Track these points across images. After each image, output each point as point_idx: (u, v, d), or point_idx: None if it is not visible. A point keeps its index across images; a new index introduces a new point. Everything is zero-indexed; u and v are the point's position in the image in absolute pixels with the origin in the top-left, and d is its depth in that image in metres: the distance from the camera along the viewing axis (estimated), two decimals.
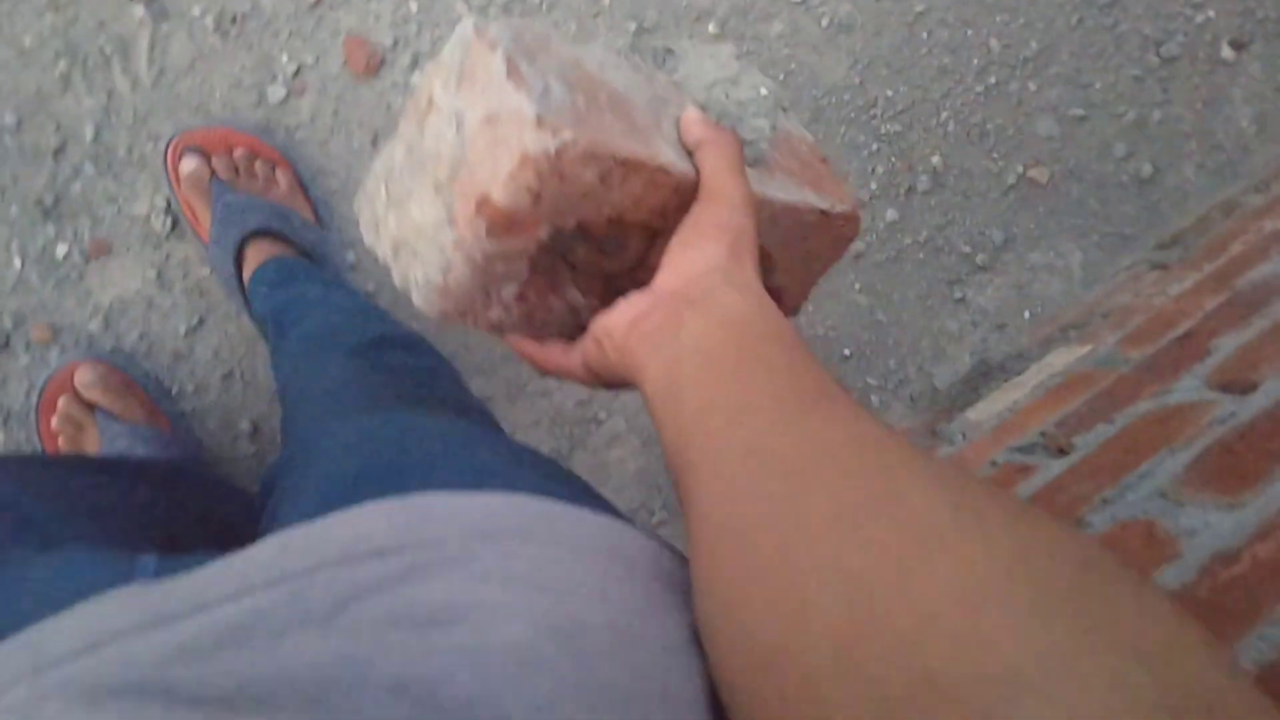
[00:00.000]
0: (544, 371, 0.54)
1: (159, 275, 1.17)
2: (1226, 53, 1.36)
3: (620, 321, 0.45)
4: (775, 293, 0.56)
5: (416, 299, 0.51)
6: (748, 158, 0.55)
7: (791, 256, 0.59)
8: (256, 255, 1.09)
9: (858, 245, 1.29)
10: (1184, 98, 1.34)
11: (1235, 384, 0.83)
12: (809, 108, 1.29)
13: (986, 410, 1.13)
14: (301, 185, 1.18)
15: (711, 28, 1.27)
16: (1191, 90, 1.34)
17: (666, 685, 0.34)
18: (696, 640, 0.36)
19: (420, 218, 0.48)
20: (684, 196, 0.48)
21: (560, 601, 0.35)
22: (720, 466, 0.34)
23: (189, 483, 0.99)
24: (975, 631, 0.23)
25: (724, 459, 0.34)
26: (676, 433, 0.38)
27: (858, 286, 1.29)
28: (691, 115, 0.50)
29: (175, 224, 1.16)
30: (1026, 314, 1.31)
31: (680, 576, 0.40)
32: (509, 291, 0.50)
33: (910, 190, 1.30)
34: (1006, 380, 1.17)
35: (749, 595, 0.30)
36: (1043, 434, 0.95)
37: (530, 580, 0.36)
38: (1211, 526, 0.69)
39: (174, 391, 1.17)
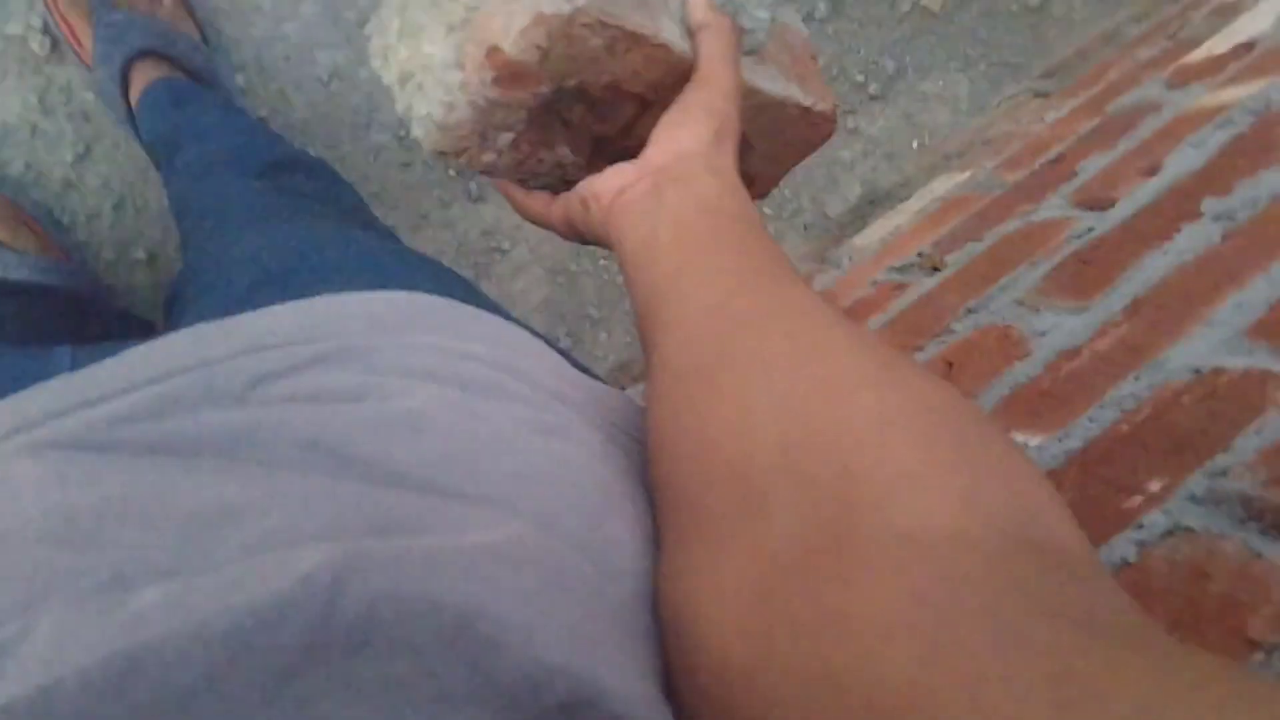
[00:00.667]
0: (524, 216, 0.59)
1: (40, 100, 1.13)
2: None
3: (608, 188, 0.49)
4: (748, 178, 0.60)
5: (416, 130, 0.53)
6: (744, 46, 0.59)
7: (769, 146, 0.63)
8: (143, 77, 1.06)
9: None
10: None
11: (1096, 201, 0.89)
12: None
13: (872, 236, 1.19)
14: (187, 4, 1.14)
15: None
16: None
17: (544, 462, 0.38)
18: (580, 427, 0.40)
19: (431, 54, 0.50)
20: (679, 75, 0.52)
21: (452, 386, 0.39)
22: (686, 320, 0.40)
23: (91, 312, 0.99)
24: (883, 442, 0.30)
25: (691, 314, 0.40)
26: (649, 291, 0.43)
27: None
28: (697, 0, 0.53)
29: (55, 45, 1.11)
30: (915, 143, 1.35)
31: (556, 367, 0.44)
32: (505, 139, 0.53)
33: (809, 17, 1.31)
34: (893, 207, 1.22)
35: (707, 418, 0.35)
36: (919, 254, 1.01)
37: (426, 369, 0.39)
38: (1060, 327, 0.76)
39: (66, 222, 1.15)
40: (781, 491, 0.31)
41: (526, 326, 0.48)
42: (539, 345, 0.45)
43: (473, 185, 1.26)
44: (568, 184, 0.55)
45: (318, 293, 0.44)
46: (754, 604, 0.29)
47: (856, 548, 0.28)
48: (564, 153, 0.55)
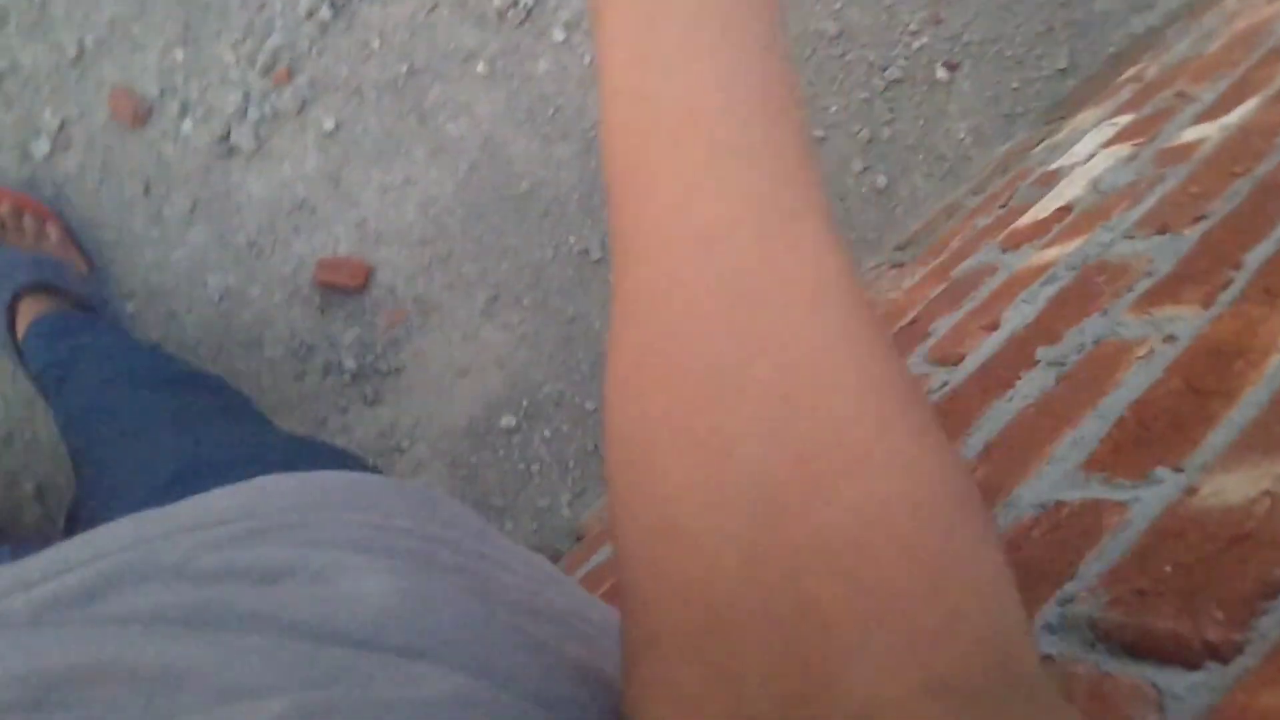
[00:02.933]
0: None
1: None
2: (941, 73, 1.53)
3: None
4: None
5: None
6: None
7: None
8: (30, 311, 1.07)
9: None
10: (908, 115, 1.51)
11: (948, 357, 0.96)
12: (579, 140, 1.37)
13: None
14: (73, 237, 1.18)
15: (480, 68, 1.34)
16: (915, 108, 1.52)
17: (481, 619, 0.39)
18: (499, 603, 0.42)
19: None
20: None
21: (385, 556, 0.40)
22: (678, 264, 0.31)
23: None
24: (855, 566, 0.27)
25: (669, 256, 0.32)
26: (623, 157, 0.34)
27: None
28: None
29: None
30: None
31: (483, 534, 0.46)
32: None
33: None
34: None
35: (667, 482, 0.30)
36: None
37: (359, 542, 0.40)
38: None
39: None
40: (743, 617, 0.27)
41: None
42: (466, 513, 0.47)
43: (368, 389, 1.28)
44: None
45: (244, 479, 0.45)
46: None
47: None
48: None
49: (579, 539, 1.30)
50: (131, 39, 1.21)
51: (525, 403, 1.33)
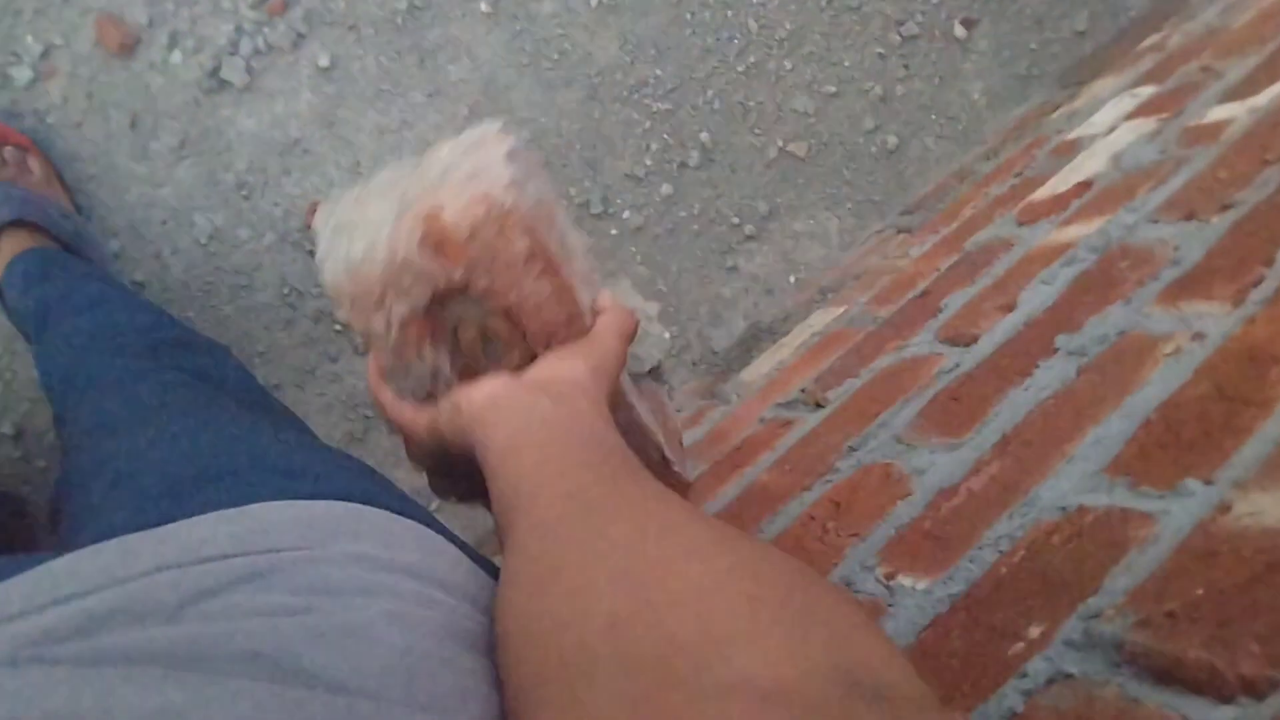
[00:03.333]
0: (389, 417, 0.59)
1: None
2: (959, 31, 1.49)
3: (482, 392, 0.51)
4: None
5: (326, 273, 0.56)
6: (630, 368, 0.65)
7: None
8: (11, 247, 1.03)
9: (636, 219, 1.35)
10: (923, 73, 1.47)
11: (960, 337, 0.94)
12: (584, 87, 1.33)
13: (757, 370, 1.22)
14: (56, 172, 1.13)
15: (483, 7, 1.28)
16: (929, 66, 1.47)
17: (474, 675, 0.38)
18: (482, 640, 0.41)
19: (374, 213, 0.54)
20: (573, 332, 0.55)
21: (385, 598, 0.38)
22: (541, 506, 0.41)
23: None
24: (707, 608, 0.31)
25: (546, 500, 0.41)
26: (510, 485, 0.44)
27: (639, 258, 1.35)
28: (609, 293, 0.58)
29: None
30: (792, 278, 1.41)
31: (469, 571, 0.44)
32: (399, 311, 0.54)
33: (683, 165, 1.37)
34: (775, 341, 1.26)
35: (548, 601, 0.36)
36: (802, 390, 1.04)
37: (359, 584, 0.39)
38: (936, 465, 0.78)
39: None
40: (604, 670, 0.31)
41: (438, 523, 0.49)
42: (454, 552, 0.46)
43: (358, 339, 1.25)
44: (429, 398, 0.57)
45: (239, 495, 0.43)
46: None
47: (676, 712, 0.28)
48: (442, 362, 0.56)
49: None
50: None
51: None
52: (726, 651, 0.29)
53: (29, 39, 1.12)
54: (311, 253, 1.23)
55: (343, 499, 0.44)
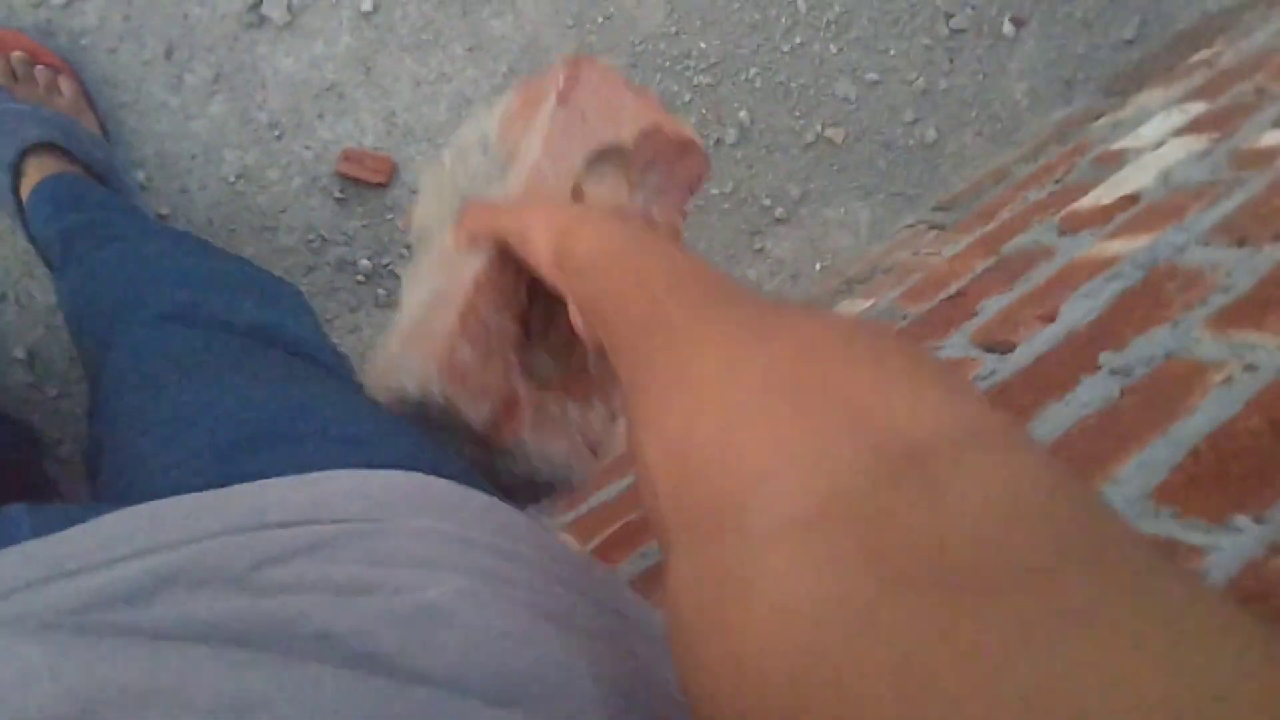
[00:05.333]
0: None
1: None
2: (1008, 28, 1.47)
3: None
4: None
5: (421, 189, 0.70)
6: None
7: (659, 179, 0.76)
8: (37, 170, 1.01)
9: None
10: (968, 68, 1.45)
11: (997, 344, 0.93)
12: (626, 53, 1.30)
13: None
14: (88, 96, 1.10)
15: None
16: (975, 62, 1.45)
17: (560, 655, 0.36)
18: (574, 611, 0.39)
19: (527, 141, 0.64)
20: None
21: (460, 575, 0.37)
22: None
23: None
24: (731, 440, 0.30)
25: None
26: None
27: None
28: None
29: None
30: (818, 266, 1.40)
31: (549, 546, 0.43)
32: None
33: (719, 142, 1.35)
34: None
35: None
36: None
37: (431, 558, 0.37)
38: None
39: None
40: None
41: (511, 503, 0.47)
42: (528, 523, 0.44)
43: (380, 291, 1.23)
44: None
45: (309, 459, 0.42)
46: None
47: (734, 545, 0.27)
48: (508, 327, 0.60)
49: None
50: None
51: None
52: (753, 493, 0.28)
53: None
54: (340, 201, 1.21)
55: (408, 468, 0.43)
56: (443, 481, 0.43)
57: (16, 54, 1.04)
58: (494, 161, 0.67)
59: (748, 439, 0.29)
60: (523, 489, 0.65)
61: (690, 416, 0.32)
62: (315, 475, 0.40)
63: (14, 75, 1.03)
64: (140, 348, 0.66)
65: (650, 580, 0.87)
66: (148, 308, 0.70)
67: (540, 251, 0.50)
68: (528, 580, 0.38)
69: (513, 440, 0.63)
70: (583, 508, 1.10)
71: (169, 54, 1.14)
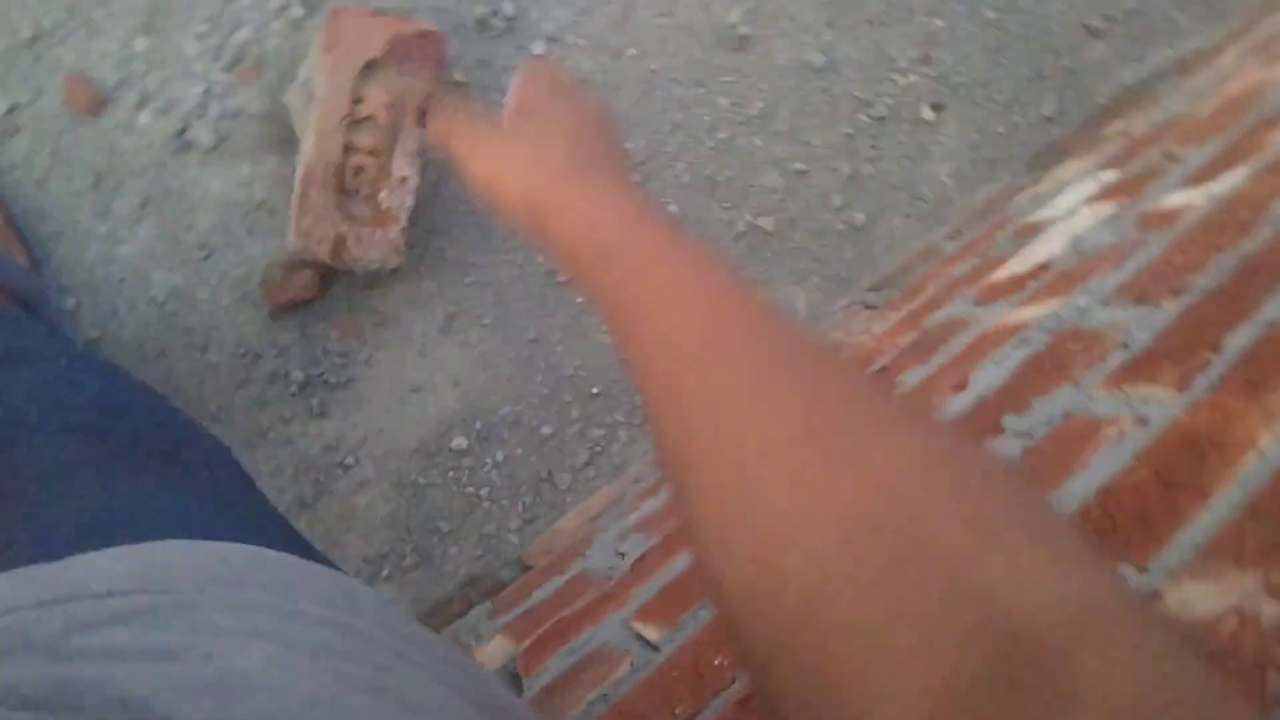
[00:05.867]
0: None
1: None
2: (927, 114, 1.51)
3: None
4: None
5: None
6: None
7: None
8: None
9: None
10: (892, 153, 1.48)
11: None
12: None
13: None
14: (15, 227, 1.12)
15: (457, 75, 1.29)
16: (898, 146, 1.49)
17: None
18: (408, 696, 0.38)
19: None
20: None
21: (278, 644, 0.37)
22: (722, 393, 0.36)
23: None
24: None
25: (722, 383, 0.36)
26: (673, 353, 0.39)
27: (602, 327, 1.35)
28: None
29: None
30: None
31: (392, 624, 0.42)
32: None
33: None
34: None
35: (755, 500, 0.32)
36: None
37: (253, 628, 0.37)
38: None
39: None
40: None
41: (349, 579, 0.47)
42: (374, 599, 0.44)
43: (314, 401, 1.23)
44: None
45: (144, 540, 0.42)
46: None
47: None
48: None
49: (525, 568, 1.26)
50: (91, 24, 1.16)
51: (479, 424, 1.28)
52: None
53: None
54: (270, 315, 1.22)
55: (250, 542, 0.43)
56: (282, 555, 0.43)
57: None
58: (309, 97, 1.13)
59: (840, 598, 0.28)
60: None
61: (768, 550, 0.30)
62: (151, 546, 0.40)
63: None
64: (11, 454, 0.67)
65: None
66: (43, 427, 0.71)
67: (562, 240, 0.47)
68: (356, 652, 0.38)
69: (349, 259, 1.16)
70: (522, 607, 1.09)
71: (97, 183, 1.17)
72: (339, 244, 1.15)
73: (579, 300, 1.34)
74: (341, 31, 1.09)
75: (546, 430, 1.30)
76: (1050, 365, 0.85)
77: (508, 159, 0.51)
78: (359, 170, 1.14)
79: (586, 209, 0.45)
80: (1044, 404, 0.80)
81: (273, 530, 0.53)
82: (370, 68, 1.10)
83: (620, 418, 1.35)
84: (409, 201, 1.17)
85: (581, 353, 1.34)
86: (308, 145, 1.11)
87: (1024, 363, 0.88)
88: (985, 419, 0.83)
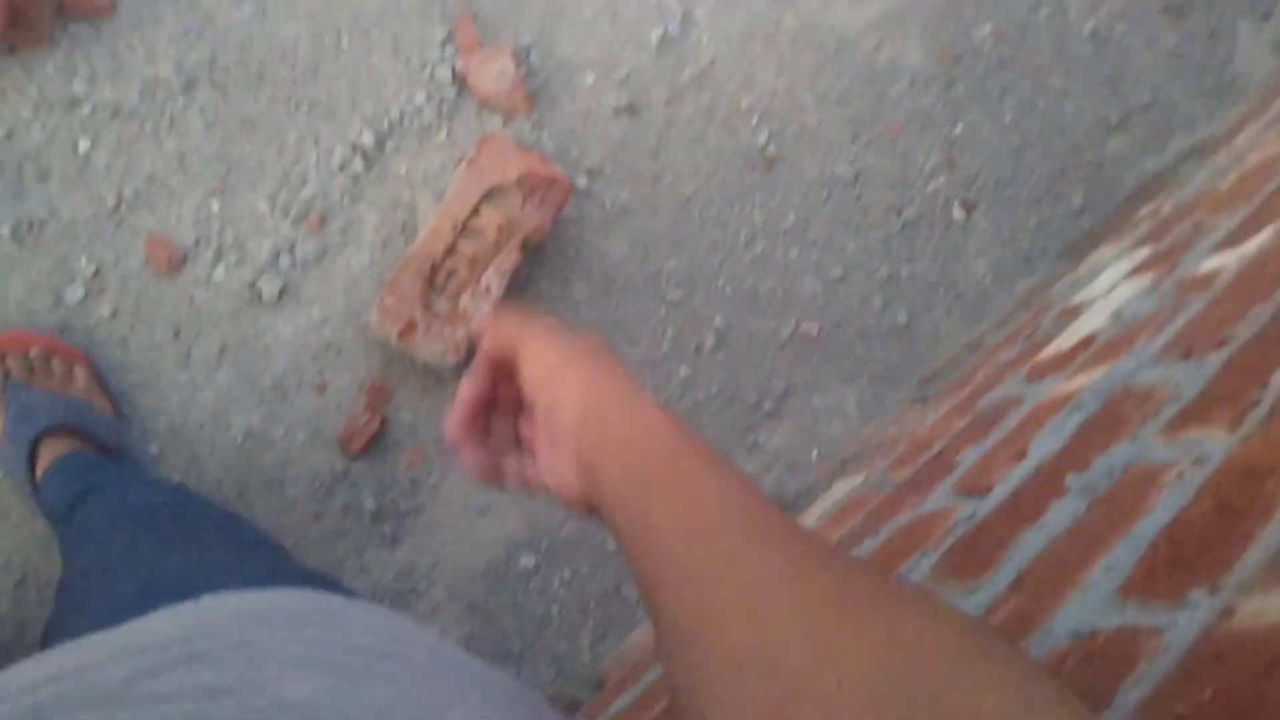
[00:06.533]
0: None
1: None
2: (958, 214, 1.56)
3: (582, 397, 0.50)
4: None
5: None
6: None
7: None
8: (51, 451, 1.08)
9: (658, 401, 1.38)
10: (927, 254, 1.53)
11: (975, 489, 0.94)
12: (600, 280, 1.40)
13: None
14: (100, 380, 1.19)
15: None
16: (933, 247, 1.53)
17: None
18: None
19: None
20: None
21: (329, 673, 0.39)
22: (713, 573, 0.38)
23: None
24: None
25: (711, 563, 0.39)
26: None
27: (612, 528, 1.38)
28: None
29: None
30: (814, 452, 1.42)
31: (440, 650, 0.44)
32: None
33: (698, 349, 1.41)
34: (799, 513, 1.26)
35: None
36: None
37: (304, 659, 0.39)
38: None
39: None
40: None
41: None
42: (425, 632, 0.46)
43: (386, 529, 1.27)
44: None
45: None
46: None
47: None
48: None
49: (600, 686, 1.25)
50: (169, 190, 1.26)
51: (545, 543, 1.30)
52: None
53: (83, 260, 1.21)
54: (343, 447, 1.27)
55: (295, 588, 0.45)
56: (332, 595, 0.45)
57: (34, 349, 1.14)
58: (438, 196, 1.31)
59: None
60: None
61: (785, 702, 0.31)
62: (201, 600, 0.42)
63: (32, 369, 1.13)
64: (95, 547, 0.71)
65: None
66: (113, 527, 0.76)
67: (568, 418, 0.50)
68: (412, 681, 0.40)
69: (413, 345, 1.24)
70: (610, 711, 1.08)
71: (176, 335, 1.24)
72: (409, 328, 1.24)
73: None
74: (486, 152, 1.27)
75: (611, 545, 1.32)
76: (1106, 425, 0.86)
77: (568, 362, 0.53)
78: (452, 273, 1.27)
79: (642, 418, 0.48)
80: (1103, 459, 0.81)
81: (323, 581, 0.56)
82: (497, 190, 1.26)
83: None
84: (485, 310, 1.26)
85: None
86: (420, 237, 1.26)
87: (1080, 426, 0.89)
88: (1047, 482, 0.84)
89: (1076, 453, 0.86)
